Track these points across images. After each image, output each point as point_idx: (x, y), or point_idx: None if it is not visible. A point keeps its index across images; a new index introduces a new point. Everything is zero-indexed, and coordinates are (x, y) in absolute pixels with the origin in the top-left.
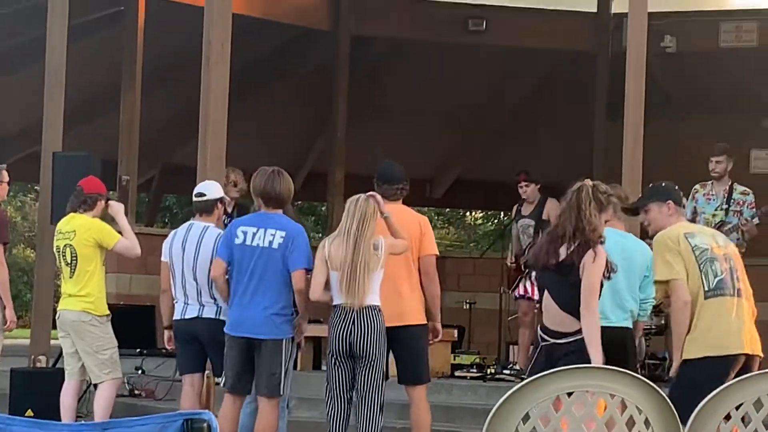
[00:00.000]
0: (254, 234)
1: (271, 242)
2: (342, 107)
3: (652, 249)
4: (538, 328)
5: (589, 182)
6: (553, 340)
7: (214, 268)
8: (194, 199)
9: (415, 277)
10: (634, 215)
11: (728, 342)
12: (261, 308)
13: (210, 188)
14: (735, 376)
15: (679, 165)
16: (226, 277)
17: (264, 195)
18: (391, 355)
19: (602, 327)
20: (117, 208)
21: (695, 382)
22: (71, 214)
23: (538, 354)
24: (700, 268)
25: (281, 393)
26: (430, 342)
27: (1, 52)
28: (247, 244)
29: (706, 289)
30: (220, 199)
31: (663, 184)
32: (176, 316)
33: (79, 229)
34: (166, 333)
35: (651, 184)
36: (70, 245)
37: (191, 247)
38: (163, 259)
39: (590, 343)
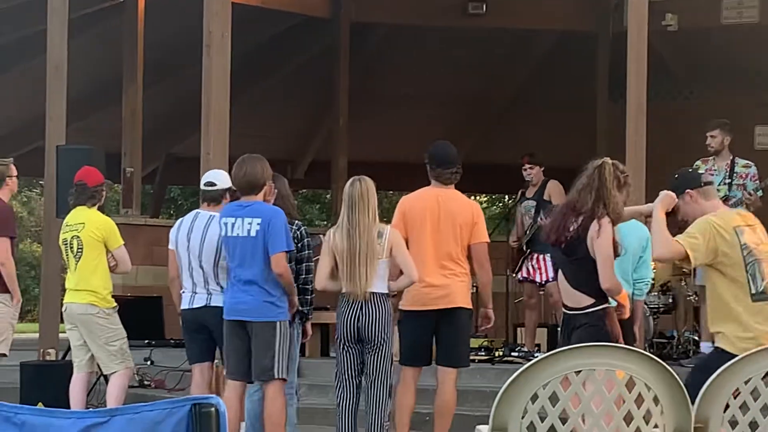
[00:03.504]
0: (233, 224)
1: (249, 231)
2: (343, 94)
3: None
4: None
5: (609, 160)
6: (570, 312)
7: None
8: (204, 188)
9: (462, 261)
10: (673, 215)
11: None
12: (254, 293)
13: (220, 178)
14: None
15: (682, 143)
16: None
17: (235, 184)
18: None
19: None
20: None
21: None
22: (79, 207)
23: (561, 325)
24: (747, 269)
25: (276, 376)
26: (483, 328)
27: (3, 46)
28: (230, 235)
29: (753, 291)
30: (229, 189)
31: (676, 176)
32: (184, 306)
33: (89, 222)
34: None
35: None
36: (78, 236)
37: (197, 236)
38: (170, 247)
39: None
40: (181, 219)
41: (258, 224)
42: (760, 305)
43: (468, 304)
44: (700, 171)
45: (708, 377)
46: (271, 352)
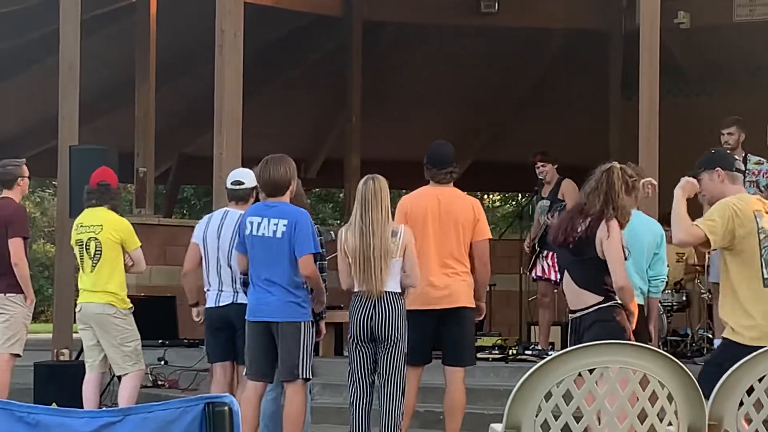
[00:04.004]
0: (259, 224)
1: (275, 232)
2: (356, 93)
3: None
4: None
5: (617, 164)
6: (576, 314)
7: (239, 263)
8: (231, 187)
9: (465, 260)
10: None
11: None
12: (278, 294)
13: (247, 177)
14: None
15: (695, 141)
16: None
17: (261, 185)
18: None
19: None
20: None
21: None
22: (93, 208)
23: (569, 332)
24: (762, 253)
25: (300, 376)
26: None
27: (16, 48)
28: (255, 235)
29: (766, 276)
30: (255, 188)
31: (712, 151)
32: (209, 304)
33: (107, 224)
34: (194, 310)
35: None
36: (96, 238)
37: (227, 234)
38: (193, 240)
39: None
40: (209, 215)
41: (284, 225)
42: None
43: (471, 303)
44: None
45: (717, 370)
46: (296, 352)
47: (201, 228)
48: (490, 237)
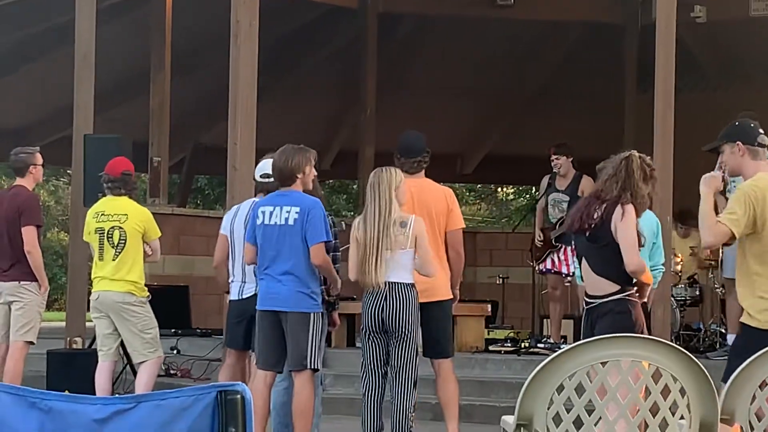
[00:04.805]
0: (271, 213)
1: (287, 219)
2: (371, 84)
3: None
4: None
5: (636, 152)
6: (593, 302)
7: (246, 254)
8: (260, 179)
9: (441, 251)
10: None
11: None
12: (288, 284)
13: None
14: None
15: (710, 135)
16: None
17: (274, 174)
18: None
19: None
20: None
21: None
22: (114, 197)
23: (583, 320)
24: None
25: (309, 366)
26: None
27: (32, 36)
28: (266, 224)
29: None
30: None
31: (736, 123)
32: (233, 296)
33: (132, 214)
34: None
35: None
36: (120, 228)
37: None
38: (222, 232)
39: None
40: (237, 206)
41: (296, 213)
42: None
43: (449, 294)
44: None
45: (741, 361)
46: (305, 342)
47: (228, 219)
48: (464, 226)
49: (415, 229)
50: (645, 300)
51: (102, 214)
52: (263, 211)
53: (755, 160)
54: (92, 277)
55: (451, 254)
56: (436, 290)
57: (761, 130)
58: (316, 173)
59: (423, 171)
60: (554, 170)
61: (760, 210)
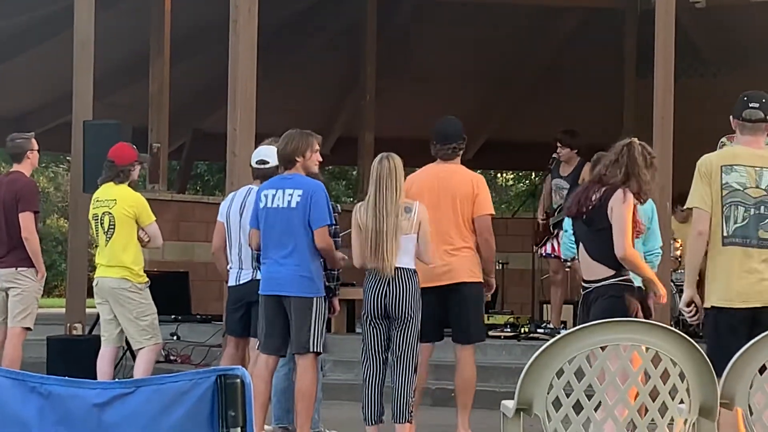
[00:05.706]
0: (273, 196)
1: (289, 202)
2: (371, 69)
3: None
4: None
5: (636, 140)
6: (587, 287)
7: (251, 239)
8: (255, 165)
9: (465, 236)
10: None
11: (731, 295)
12: (290, 267)
13: (272, 155)
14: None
15: (709, 121)
16: None
17: (278, 158)
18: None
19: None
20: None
21: (710, 331)
22: (109, 183)
23: (579, 304)
24: (723, 209)
25: (311, 350)
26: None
27: (32, 22)
28: (269, 207)
29: (724, 234)
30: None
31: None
32: (231, 283)
33: (120, 199)
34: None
35: None
36: (109, 213)
37: (249, 212)
38: (219, 219)
39: (648, 280)
40: (233, 193)
41: (299, 196)
42: (726, 249)
43: (474, 277)
44: (725, 146)
45: (712, 341)
46: (307, 326)
47: (225, 206)
48: (492, 212)
49: (419, 215)
50: (662, 302)
51: (97, 200)
52: (266, 194)
53: (743, 134)
54: (95, 263)
55: (480, 241)
56: (457, 272)
57: (755, 104)
58: (320, 158)
59: (458, 158)
60: (560, 159)
61: (707, 185)
